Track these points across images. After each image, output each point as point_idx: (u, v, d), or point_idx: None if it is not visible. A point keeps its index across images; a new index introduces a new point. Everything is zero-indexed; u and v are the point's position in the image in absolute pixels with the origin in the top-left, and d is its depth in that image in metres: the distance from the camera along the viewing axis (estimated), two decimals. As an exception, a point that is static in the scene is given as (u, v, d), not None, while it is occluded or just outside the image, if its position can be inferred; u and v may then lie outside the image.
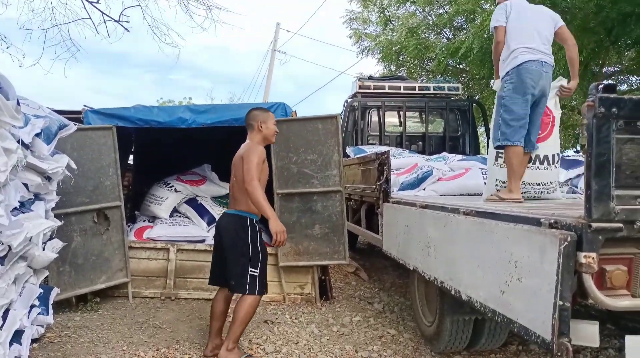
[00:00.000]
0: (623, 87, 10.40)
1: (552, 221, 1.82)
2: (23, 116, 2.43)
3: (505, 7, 3.51)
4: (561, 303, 1.66)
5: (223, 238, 3.21)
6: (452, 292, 2.57)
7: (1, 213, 1.94)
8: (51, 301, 3.53)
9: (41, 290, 3.29)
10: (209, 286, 4.55)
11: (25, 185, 2.77)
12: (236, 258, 3.13)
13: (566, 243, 1.65)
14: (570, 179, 3.91)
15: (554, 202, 3.23)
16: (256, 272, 3.12)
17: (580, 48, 6.39)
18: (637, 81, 9.96)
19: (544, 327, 1.72)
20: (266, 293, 3.28)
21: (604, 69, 9.22)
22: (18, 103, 2.27)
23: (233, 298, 3.39)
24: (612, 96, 1.68)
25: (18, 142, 2.35)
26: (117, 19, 6.03)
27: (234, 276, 3.13)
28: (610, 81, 8.64)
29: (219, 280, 3.36)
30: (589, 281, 1.68)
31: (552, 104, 3.63)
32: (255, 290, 3.11)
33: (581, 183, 3.75)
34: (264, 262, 3.21)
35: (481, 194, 4.24)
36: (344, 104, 7.79)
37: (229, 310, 3.43)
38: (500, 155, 3.59)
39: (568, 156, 5.29)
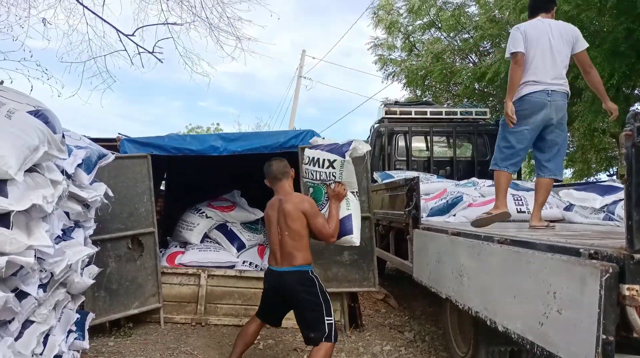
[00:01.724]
0: (657, 109, 10.15)
1: (592, 251, 1.79)
2: (67, 147, 2.54)
3: (519, 30, 3.52)
4: (604, 336, 1.61)
5: (291, 298, 3.10)
6: (488, 322, 2.52)
7: (49, 242, 2.02)
8: (87, 327, 3.59)
9: (78, 315, 3.36)
10: (239, 312, 4.62)
11: (67, 213, 2.88)
12: (311, 313, 3.05)
13: (608, 274, 1.62)
14: (606, 205, 3.82)
15: (590, 230, 3.15)
16: (332, 319, 3.06)
17: (612, 72, 6.33)
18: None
19: (587, 361, 1.67)
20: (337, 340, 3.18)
21: (636, 91, 9.03)
22: (63, 136, 2.38)
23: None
24: (651, 125, 1.66)
25: (62, 172, 2.46)
26: (151, 51, 6.26)
27: (313, 329, 3.03)
28: None
29: (274, 321, 3.41)
30: (634, 314, 1.63)
31: None
32: (336, 336, 3.06)
33: (617, 210, 3.66)
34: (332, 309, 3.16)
35: (513, 221, 4.20)
36: (371, 130, 7.84)
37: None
38: None
39: (602, 181, 5.16)
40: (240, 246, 5.06)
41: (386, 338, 4.36)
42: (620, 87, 7.52)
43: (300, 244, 3.07)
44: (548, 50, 3.46)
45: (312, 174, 3.28)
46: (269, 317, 3.37)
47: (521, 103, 3.48)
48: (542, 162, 3.57)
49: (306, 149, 3.44)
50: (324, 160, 3.22)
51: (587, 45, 3.51)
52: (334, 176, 3.20)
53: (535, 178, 3.84)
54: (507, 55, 3.62)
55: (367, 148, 3.39)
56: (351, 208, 3.28)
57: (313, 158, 3.28)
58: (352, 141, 3.29)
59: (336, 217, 3.16)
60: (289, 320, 3.51)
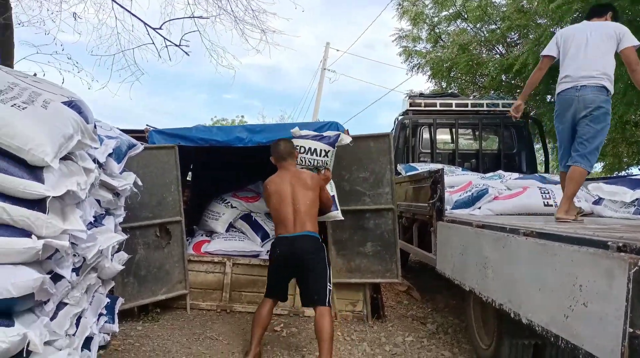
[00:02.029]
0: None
1: (620, 244, 1.76)
2: (98, 137, 2.62)
3: (556, 35, 3.75)
4: (631, 330, 1.59)
5: (306, 259, 3.39)
6: (512, 315, 2.51)
7: (82, 227, 2.09)
8: (116, 311, 3.70)
9: (108, 300, 3.47)
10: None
11: (98, 201, 2.96)
12: (320, 275, 3.39)
13: (637, 267, 1.60)
14: (637, 199, 3.72)
15: (620, 223, 3.09)
16: (331, 286, 3.45)
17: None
18: None
19: (613, 355, 1.66)
20: None
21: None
22: (95, 126, 2.45)
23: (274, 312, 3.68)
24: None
25: (94, 161, 2.54)
26: (178, 44, 6.35)
27: (319, 291, 3.36)
28: None
29: (283, 295, 3.58)
30: (662, 308, 1.61)
31: None
32: (330, 302, 3.38)
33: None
34: None
35: (539, 215, 4.15)
36: (395, 122, 7.80)
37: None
38: None
39: (634, 175, 5.04)
40: (265, 236, 5.13)
41: (408, 329, 4.38)
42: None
43: (313, 212, 3.50)
44: (583, 46, 3.50)
45: (310, 162, 3.88)
46: (277, 290, 3.55)
47: (557, 101, 3.66)
48: (575, 149, 3.56)
49: (299, 140, 3.94)
50: (320, 150, 3.87)
51: (634, 43, 3.41)
52: (326, 163, 3.92)
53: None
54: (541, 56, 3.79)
55: (349, 139, 4.04)
56: (333, 189, 4.00)
57: (310, 148, 3.88)
58: (339, 134, 4.00)
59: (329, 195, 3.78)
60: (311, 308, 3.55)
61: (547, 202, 4.31)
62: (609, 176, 8.46)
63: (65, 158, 2.20)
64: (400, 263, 4.52)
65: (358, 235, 4.53)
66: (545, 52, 3.75)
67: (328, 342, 3.18)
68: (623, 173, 12.02)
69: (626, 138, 10.75)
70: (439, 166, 6.14)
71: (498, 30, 10.45)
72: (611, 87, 3.44)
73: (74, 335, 2.62)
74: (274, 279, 3.56)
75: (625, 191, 3.83)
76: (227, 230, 5.25)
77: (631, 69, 3.43)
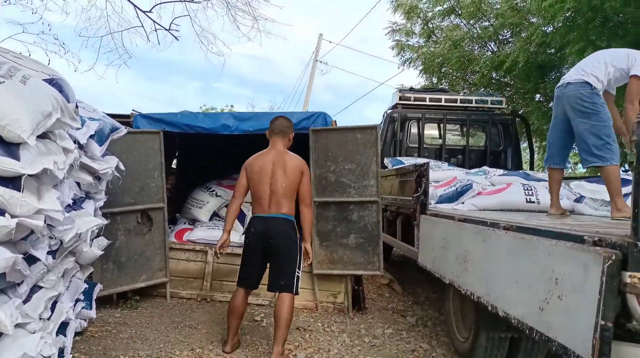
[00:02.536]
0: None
1: (596, 238, 1.78)
2: (80, 118, 2.57)
3: None
4: (603, 323, 1.61)
5: (276, 241, 3.34)
6: (489, 308, 2.53)
7: (58, 207, 2.06)
8: (94, 297, 3.67)
9: (86, 285, 3.43)
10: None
11: (78, 184, 2.92)
12: (289, 260, 3.36)
13: (610, 261, 1.61)
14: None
15: (599, 221, 3.12)
16: (299, 273, 3.40)
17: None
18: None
19: (584, 347, 1.67)
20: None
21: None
22: (77, 106, 2.40)
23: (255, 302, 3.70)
24: (663, 112, 1.63)
25: (74, 142, 2.49)
26: (168, 28, 6.27)
27: (286, 277, 3.33)
28: None
29: (254, 283, 3.48)
30: (634, 303, 1.63)
31: None
32: (298, 290, 3.36)
33: (629, 202, 3.61)
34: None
35: (521, 211, 4.18)
36: (384, 115, 7.79)
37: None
38: None
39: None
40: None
41: (388, 321, 4.40)
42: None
43: (291, 195, 3.40)
44: (596, 55, 3.53)
45: None
46: (248, 275, 3.47)
47: None
48: (579, 154, 3.61)
49: None
50: None
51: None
52: None
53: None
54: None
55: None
56: None
57: None
58: None
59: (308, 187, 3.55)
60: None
61: (530, 199, 4.34)
62: (592, 175, 8.55)
63: (43, 136, 2.16)
64: (382, 256, 4.53)
65: (342, 227, 4.53)
66: None
67: (283, 329, 3.22)
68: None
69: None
70: (425, 160, 6.16)
71: (491, 27, 10.48)
72: (597, 84, 3.37)
73: (48, 319, 2.58)
74: (246, 261, 3.49)
75: (606, 190, 3.86)
76: (210, 219, 5.21)
77: (628, 100, 3.27)
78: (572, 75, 3.51)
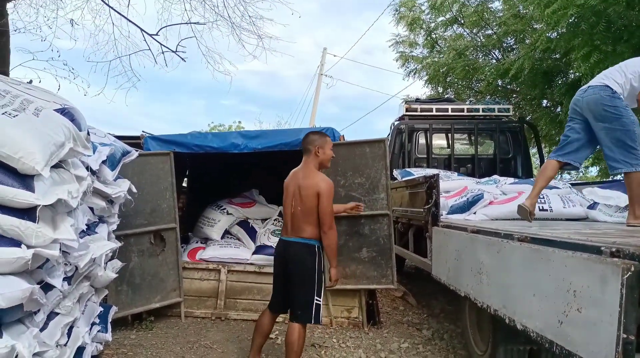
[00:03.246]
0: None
1: (613, 249, 1.75)
2: (91, 144, 2.60)
3: None
4: (625, 336, 1.58)
5: (291, 266, 3.20)
6: (506, 321, 2.50)
7: (73, 236, 2.08)
8: (110, 320, 3.67)
9: (101, 308, 3.44)
10: (257, 307, 4.67)
11: (91, 209, 2.95)
12: (304, 286, 3.15)
13: (630, 273, 1.59)
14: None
15: (614, 228, 3.08)
16: (320, 301, 3.17)
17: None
18: None
19: (607, 360, 1.65)
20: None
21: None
22: (88, 133, 2.44)
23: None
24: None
25: (86, 169, 2.52)
26: (175, 50, 6.36)
27: (302, 306, 3.15)
28: None
29: (280, 307, 3.39)
30: (656, 314, 1.60)
31: None
32: (319, 319, 3.16)
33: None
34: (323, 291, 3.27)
35: (534, 219, 4.13)
36: (391, 127, 7.80)
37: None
38: None
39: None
40: (260, 246, 5.11)
41: (404, 335, 4.36)
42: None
43: (310, 219, 3.18)
44: (616, 66, 3.48)
45: None
46: (274, 297, 3.39)
47: None
48: (605, 160, 3.47)
49: None
50: None
51: None
52: None
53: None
54: None
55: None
56: None
57: None
58: None
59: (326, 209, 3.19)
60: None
61: (542, 207, 4.31)
62: (604, 180, 8.47)
63: (56, 166, 2.19)
64: (395, 268, 4.51)
65: (353, 241, 4.52)
66: None
67: (295, 355, 3.11)
68: (619, 177, 12.02)
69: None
70: (434, 171, 6.14)
71: (494, 36, 10.51)
72: (617, 88, 3.32)
73: (65, 345, 2.59)
74: (274, 285, 3.42)
75: (620, 195, 3.82)
76: (222, 237, 5.23)
77: None
78: (592, 81, 3.48)
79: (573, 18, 6.52)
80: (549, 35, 7.56)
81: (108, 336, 3.51)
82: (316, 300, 3.14)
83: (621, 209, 3.79)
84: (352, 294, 4.60)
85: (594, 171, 13.66)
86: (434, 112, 7.49)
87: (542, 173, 3.66)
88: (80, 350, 2.90)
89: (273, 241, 4.90)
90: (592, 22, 6.28)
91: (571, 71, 7.84)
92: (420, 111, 7.52)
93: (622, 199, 3.77)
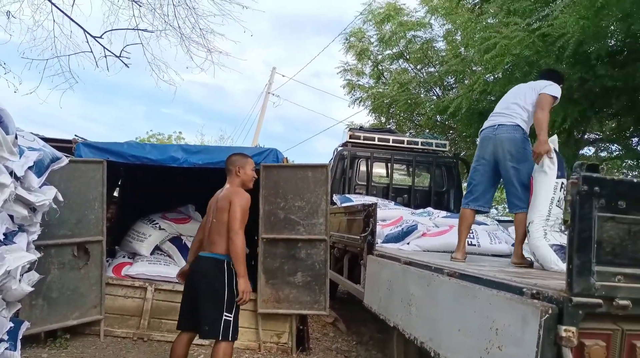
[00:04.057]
0: (603, 154, 10.75)
1: (534, 291, 1.85)
2: (18, 148, 2.44)
3: None
4: (541, 375, 1.66)
5: (197, 282, 3.15)
6: (432, 354, 2.56)
7: (-14, 247, 1.91)
8: (20, 336, 3.39)
9: (11, 324, 3.17)
10: (184, 329, 4.49)
11: (11, 216, 2.74)
12: (211, 302, 3.08)
13: (547, 315, 1.68)
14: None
15: (537, 267, 3.27)
16: (231, 317, 3.10)
17: (565, 117, 6.68)
18: (617, 150, 10.31)
19: (523, 399, 1.72)
20: (236, 338, 3.20)
21: (586, 136, 9.56)
22: (16, 136, 2.28)
23: (194, 341, 3.35)
24: (594, 175, 1.76)
25: (10, 174, 2.35)
26: (119, 55, 6.13)
27: (208, 322, 3.06)
28: (594, 162, 8.93)
29: (188, 324, 3.25)
30: (569, 355, 1.69)
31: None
32: (228, 335, 3.07)
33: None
34: (238, 307, 3.18)
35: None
36: (334, 152, 7.92)
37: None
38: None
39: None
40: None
41: (333, 363, 4.35)
42: (572, 132, 7.94)
43: (222, 230, 3.13)
44: (513, 91, 3.74)
45: None
46: (182, 316, 3.27)
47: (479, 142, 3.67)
48: (506, 197, 3.68)
49: None
50: None
51: (551, 93, 3.51)
52: None
53: (495, 211, 3.97)
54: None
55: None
56: None
57: None
58: None
59: (244, 262, 3.17)
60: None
61: (471, 241, 4.50)
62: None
63: (-25, 170, 2.02)
64: (328, 294, 4.51)
65: (289, 264, 4.48)
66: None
67: None
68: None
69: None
70: (373, 199, 6.27)
71: (436, 73, 11.04)
72: (525, 128, 3.56)
73: (-35, 364, 2.36)
74: (181, 300, 3.33)
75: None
76: (151, 253, 5.01)
77: (539, 107, 3.50)
78: (501, 114, 3.63)
79: (509, 65, 6.98)
80: (487, 79, 8.05)
81: (17, 355, 3.23)
82: (225, 315, 3.07)
83: (542, 249, 4.03)
84: (283, 319, 4.54)
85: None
86: (376, 142, 7.70)
87: (462, 222, 3.76)
88: (-18, 370, 2.66)
89: (206, 260, 4.77)
90: (525, 71, 6.76)
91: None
92: (363, 139, 7.71)
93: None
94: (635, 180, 1.87)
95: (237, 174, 3.33)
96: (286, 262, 4.49)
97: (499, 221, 6.02)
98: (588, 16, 5.68)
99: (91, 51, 6.24)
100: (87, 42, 6.18)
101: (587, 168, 1.79)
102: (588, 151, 10.59)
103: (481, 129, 3.78)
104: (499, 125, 3.60)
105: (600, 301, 1.72)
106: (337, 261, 5.56)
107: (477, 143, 3.71)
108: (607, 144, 10.48)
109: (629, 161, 10.22)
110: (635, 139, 8.94)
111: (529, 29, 6.59)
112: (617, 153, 10.17)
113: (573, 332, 1.67)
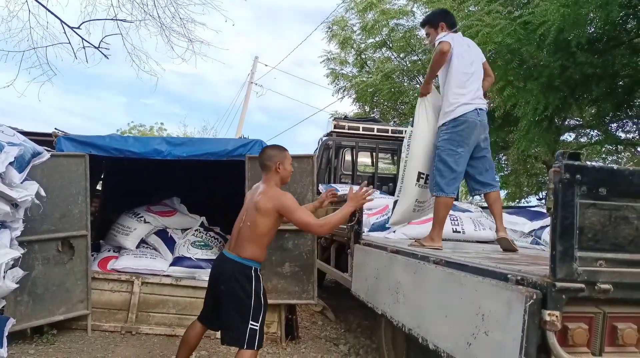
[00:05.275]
0: (583, 140, 10.94)
1: (519, 277, 1.89)
2: (-2, 143, 2.39)
3: (448, 37, 3.41)
4: (526, 359, 1.71)
5: (221, 285, 3.00)
6: (420, 340, 2.60)
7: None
8: (6, 333, 3.36)
9: (-4, 321, 3.15)
10: (172, 322, 4.50)
11: (-8, 213, 2.70)
12: (237, 309, 2.93)
13: (532, 300, 1.72)
14: (534, 230, 4.06)
15: (520, 253, 3.33)
16: (257, 326, 2.93)
17: (546, 104, 6.77)
18: (597, 135, 10.50)
19: (509, 382, 1.77)
20: (261, 347, 3.05)
21: (566, 122, 9.71)
22: (-5, 131, 2.24)
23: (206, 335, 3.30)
24: (576, 163, 1.79)
25: (-10, 170, 2.31)
26: (97, 46, 6.02)
27: (233, 329, 2.93)
28: (574, 148, 9.08)
29: (208, 321, 3.19)
30: (552, 339, 1.74)
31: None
32: (254, 344, 2.90)
33: (544, 235, 3.91)
34: (265, 315, 3.03)
35: (450, 241, 4.35)
36: (319, 142, 7.92)
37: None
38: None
39: (532, 206, 5.49)
40: (178, 257, 4.93)
41: (321, 350, 4.39)
42: (553, 119, 8.06)
43: (255, 238, 2.98)
44: (474, 61, 3.51)
45: None
46: (204, 312, 3.22)
47: (456, 125, 3.39)
48: (479, 179, 3.55)
49: None
50: None
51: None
52: None
53: (479, 197, 3.92)
54: (435, 45, 3.40)
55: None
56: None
57: None
58: None
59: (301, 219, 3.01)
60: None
61: (456, 228, 4.56)
62: (510, 206, 9.16)
63: (-46, 167, 1.98)
64: (316, 284, 4.54)
65: (277, 255, 4.49)
66: (447, 39, 3.34)
67: None
68: (523, 201, 13.06)
69: (527, 170, 11.77)
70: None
71: (419, 62, 11.06)
72: None
73: (-49, 363, 2.34)
74: (206, 299, 3.21)
75: (524, 222, 4.16)
76: (137, 246, 4.98)
77: (488, 78, 3.60)
78: (480, 99, 3.46)
79: (491, 53, 7.04)
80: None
81: (3, 352, 3.20)
82: (252, 324, 2.90)
83: (525, 235, 4.12)
84: (271, 309, 4.54)
85: (502, 194, 14.71)
86: (361, 131, 7.72)
87: (447, 210, 3.57)
88: (-32, 368, 2.63)
89: (193, 253, 4.75)
90: (507, 59, 6.83)
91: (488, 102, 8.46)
92: (348, 129, 7.72)
93: (526, 226, 4.10)
94: (615, 167, 1.91)
95: (277, 171, 3.12)
96: (274, 253, 4.49)
97: (483, 208, 6.10)
98: (568, 4, 5.75)
99: (69, 42, 6.13)
100: (65, 33, 6.07)
101: (569, 157, 1.81)
102: (568, 136, 10.78)
103: (462, 113, 3.38)
104: (480, 110, 3.43)
105: (582, 285, 1.76)
106: (324, 251, 5.59)
107: (456, 126, 3.37)
108: (587, 130, 10.68)
109: (608, 147, 10.42)
110: (614, 125, 9.12)
111: (510, 17, 6.64)
112: (596, 138, 10.36)
113: (557, 316, 1.72)
